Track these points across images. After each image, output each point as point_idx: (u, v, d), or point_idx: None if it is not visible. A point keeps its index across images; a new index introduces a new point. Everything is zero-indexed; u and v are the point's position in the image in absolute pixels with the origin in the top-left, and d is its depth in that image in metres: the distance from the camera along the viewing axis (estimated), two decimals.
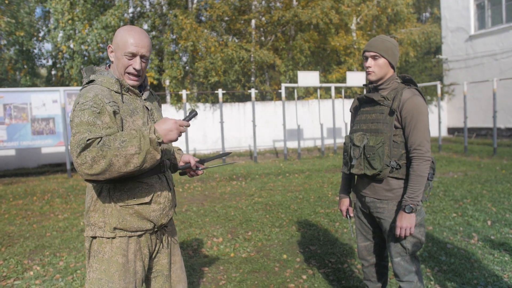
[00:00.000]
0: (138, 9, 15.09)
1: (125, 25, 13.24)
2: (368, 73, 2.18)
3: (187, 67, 14.90)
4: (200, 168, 2.00)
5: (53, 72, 16.17)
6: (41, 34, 16.01)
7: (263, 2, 15.91)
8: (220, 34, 15.26)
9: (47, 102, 9.41)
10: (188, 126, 1.61)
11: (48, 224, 5.25)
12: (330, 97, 13.99)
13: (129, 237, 1.71)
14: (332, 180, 7.74)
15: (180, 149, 2.12)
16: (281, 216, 5.24)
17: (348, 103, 14.09)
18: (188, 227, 4.88)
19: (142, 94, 1.82)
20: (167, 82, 14.02)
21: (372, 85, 2.22)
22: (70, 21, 12.89)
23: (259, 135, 12.87)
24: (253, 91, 11.13)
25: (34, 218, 5.67)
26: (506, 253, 3.60)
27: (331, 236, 4.33)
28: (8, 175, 10.09)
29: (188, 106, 12.98)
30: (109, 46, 1.74)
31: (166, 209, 1.79)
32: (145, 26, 14.78)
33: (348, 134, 2.32)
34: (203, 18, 15.99)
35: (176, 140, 1.57)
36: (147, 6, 15.08)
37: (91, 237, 1.71)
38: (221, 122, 10.83)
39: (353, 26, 16.27)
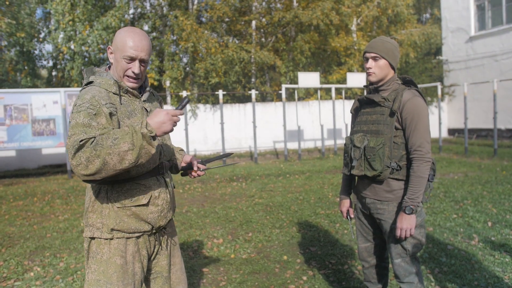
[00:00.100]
0: (139, 10, 15.11)
1: (126, 26, 13.23)
2: (368, 74, 2.18)
3: (187, 68, 14.91)
4: (201, 169, 1.99)
5: (53, 73, 16.19)
6: (42, 35, 16.03)
7: (264, 3, 15.92)
8: (221, 35, 15.27)
9: (47, 103, 9.42)
10: (182, 114, 1.57)
11: (48, 225, 5.25)
12: (331, 98, 13.99)
13: (127, 238, 1.70)
14: (332, 181, 7.74)
15: (182, 150, 2.10)
16: (281, 217, 5.24)
17: (349, 104, 14.09)
18: (188, 228, 4.88)
19: (142, 95, 1.81)
20: (168, 83, 14.03)
21: (373, 86, 2.23)
22: (70, 22, 12.91)
23: (259, 136, 12.88)
24: (253, 92, 11.13)
25: (35, 219, 5.67)
26: (507, 254, 3.60)
27: (332, 237, 4.32)
28: (9, 176, 10.09)
29: (188, 107, 12.98)
30: (109, 48, 1.73)
31: (164, 211, 1.78)
32: (146, 27, 14.79)
33: (348, 135, 2.32)
34: (203, 19, 16.00)
35: (171, 131, 1.54)
36: (148, 7, 15.09)
37: (90, 238, 1.71)
38: (222, 123, 10.83)
39: (354, 27, 16.28)
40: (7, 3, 13.51)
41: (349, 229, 4.54)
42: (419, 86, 2.29)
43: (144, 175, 1.71)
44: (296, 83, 14.06)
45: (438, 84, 12.03)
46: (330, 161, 10.76)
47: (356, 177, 2.39)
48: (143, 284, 1.88)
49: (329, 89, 14.88)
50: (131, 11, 14.91)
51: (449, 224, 4.56)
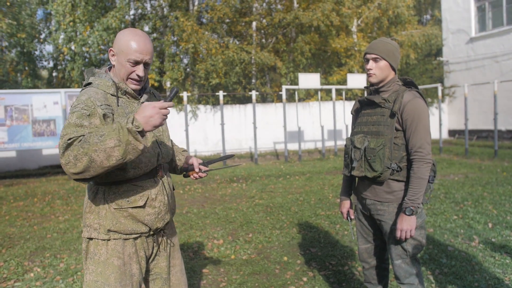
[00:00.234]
0: (139, 11, 15.13)
1: (126, 27, 13.25)
2: (369, 75, 2.18)
3: (188, 69, 14.93)
4: (203, 171, 1.97)
5: (54, 74, 16.21)
6: (43, 36, 16.06)
7: (264, 4, 15.94)
8: (221, 36, 15.29)
9: (48, 103, 9.43)
10: (171, 106, 1.53)
11: (48, 226, 5.25)
12: (331, 99, 13.99)
13: (125, 239, 1.70)
14: (332, 182, 7.74)
15: (185, 150, 2.09)
16: (281, 218, 5.23)
17: (349, 105, 14.09)
18: (188, 229, 4.87)
19: (141, 97, 1.79)
20: (168, 84, 14.04)
21: (373, 87, 2.23)
22: (71, 23, 12.93)
23: (259, 137, 12.88)
24: (254, 93, 11.14)
25: (35, 219, 5.67)
26: (507, 255, 3.59)
27: (332, 238, 4.32)
28: (9, 177, 10.09)
29: (189, 108, 12.99)
30: (111, 50, 1.71)
31: (161, 213, 1.77)
32: (146, 28, 14.81)
33: (349, 136, 2.32)
34: (204, 20, 16.02)
35: (160, 124, 1.49)
36: (148, 8, 15.11)
37: (88, 238, 1.71)
38: (222, 124, 10.84)
39: (354, 28, 16.29)
40: (8, 4, 13.54)
41: (349, 230, 4.54)
42: (419, 87, 2.28)
43: (141, 176, 1.71)
44: (297, 84, 14.06)
45: (439, 85, 12.03)
46: (331, 162, 10.76)
47: (357, 178, 2.39)
48: (143, 285, 1.87)
49: (329, 90, 14.89)
50: (132, 12, 14.93)
51: (449, 225, 4.55)
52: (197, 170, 1.95)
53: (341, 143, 12.80)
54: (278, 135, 13.79)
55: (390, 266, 2.39)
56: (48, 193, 7.64)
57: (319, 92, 12.94)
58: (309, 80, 11.14)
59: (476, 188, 6.55)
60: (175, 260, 1.94)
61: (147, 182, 1.72)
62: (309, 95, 15.78)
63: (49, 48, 18.34)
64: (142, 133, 1.46)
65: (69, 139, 1.44)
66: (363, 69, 15.69)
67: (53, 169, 11.15)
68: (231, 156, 2.12)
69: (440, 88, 12.02)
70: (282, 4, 16.31)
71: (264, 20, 15.90)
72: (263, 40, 16.50)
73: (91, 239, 1.70)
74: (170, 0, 13.93)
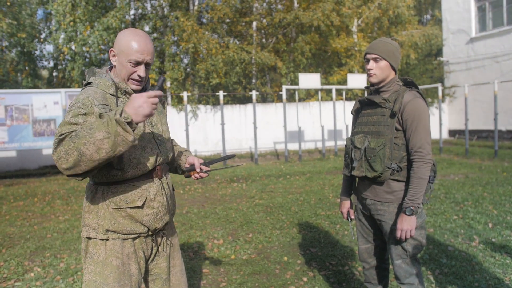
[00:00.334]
0: (140, 11, 15.12)
1: (126, 27, 13.24)
2: (369, 76, 2.18)
3: (188, 69, 14.92)
4: (204, 171, 1.96)
5: (54, 74, 16.22)
6: (43, 35, 16.07)
7: (264, 4, 15.94)
8: (221, 36, 15.29)
9: (48, 103, 9.44)
10: (160, 95, 1.51)
11: (48, 226, 5.25)
12: (331, 99, 13.99)
13: (123, 239, 1.70)
14: (333, 182, 7.74)
15: (187, 150, 2.08)
16: (281, 218, 5.24)
17: (349, 105, 14.09)
18: (188, 229, 4.87)
19: None
20: (168, 84, 14.04)
21: (374, 88, 2.23)
22: (71, 23, 12.93)
23: (260, 137, 12.88)
24: (254, 93, 11.14)
25: (35, 219, 5.67)
26: (507, 255, 3.59)
27: (332, 238, 4.32)
28: (9, 177, 10.10)
29: (189, 107, 12.99)
30: (111, 50, 1.71)
31: (160, 214, 1.76)
32: (146, 28, 14.81)
33: (349, 136, 2.32)
34: (204, 20, 16.02)
35: (150, 113, 1.46)
36: (149, 8, 15.11)
37: (86, 238, 1.71)
38: (222, 124, 10.84)
39: (354, 28, 16.28)
40: (8, 3, 13.54)
41: (350, 230, 4.54)
42: (419, 87, 2.29)
43: (140, 177, 1.70)
44: (297, 84, 14.06)
45: (439, 85, 12.03)
46: (331, 162, 10.76)
47: (357, 178, 2.39)
48: (143, 285, 1.87)
49: (329, 90, 14.89)
50: (132, 12, 14.92)
51: (449, 226, 4.55)
52: (198, 170, 1.94)
53: (341, 143, 12.80)
54: (278, 135, 13.79)
55: (390, 266, 2.39)
56: (48, 193, 7.65)
57: (319, 92, 12.93)
58: (310, 80, 11.14)
59: (476, 188, 6.55)
60: (175, 261, 1.94)
61: (146, 182, 1.72)
62: (309, 95, 15.78)
63: (49, 48, 18.37)
64: (132, 124, 1.45)
65: (61, 135, 1.44)
66: (363, 69, 15.69)
67: (53, 169, 11.15)
68: (232, 156, 2.11)
69: (440, 88, 12.02)
70: (283, 4, 16.31)
71: (264, 20, 15.90)
72: (264, 40, 16.50)
73: (90, 238, 1.70)
74: (171, 0, 13.93)
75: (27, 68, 15.14)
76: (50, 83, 16.08)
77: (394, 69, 2.17)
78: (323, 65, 16.73)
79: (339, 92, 14.97)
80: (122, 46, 1.65)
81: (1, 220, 5.69)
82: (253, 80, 15.73)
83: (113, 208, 1.66)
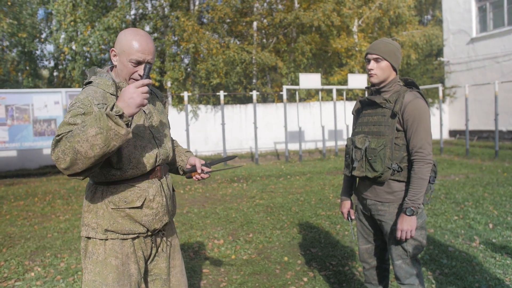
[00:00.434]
0: (140, 11, 15.13)
1: (127, 27, 13.24)
2: (370, 76, 2.18)
3: (188, 69, 14.92)
4: (206, 172, 1.94)
5: (55, 74, 16.24)
6: (43, 35, 16.09)
7: (265, 4, 15.94)
8: (222, 36, 15.29)
9: (49, 103, 9.45)
10: (149, 83, 1.50)
11: (49, 225, 5.25)
12: (332, 99, 13.98)
13: (122, 239, 1.70)
14: (333, 182, 7.73)
15: (189, 151, 2.07)
16: (282, 218, 5.23)
17: (350, 105, 14.09)
18: (189, 229, 4.88)
19: None
20: (169, 84, 14.04)
21: (374, 88, 2.22)
22: (72, 23, 12.93)
23: (260, 137, 12.88)
24: (254, 93, 11.14)
25: (35, 219, 5.67)
26: (508, 256, 3.59)
27: (332, 238, 4.32)
28: (10, 176, 10.10)
29: (190, 107, 12.99)
30: (112, 50, 1.70)
31: (159, 215, 1.76)
32: (147, 28, 14.82)
33: (350, 136, 2.32)
34: (205, 20, 16.03)
35: (141, 103, 1.46)
36: (149, 8, 15.11)
37: (86, 237, 1.71)
38: (223, 124, 10.84)
39: (355, 29, 16.28)
40: (9, 3, 13.55)
41: (350, 230, 4.54)
42: (420, 87, 2.29)
43: (140, 177, 1.70)
44: (297, 84, 14.06)
45: (439, 86, 12.02)
46: (331, 162, 10.76)
47: (357, 178, 2.39)
48: (143, 286, 1.87)
49: (330, 90, 14.89)
50: (133, 11, 14.93)
51: (450, 226, 4.55)
52: (199, 171, 1.93)
53: (342, 143, 12.80)
54: (279, 135, 13.79)
55: (391, 267, 2.39)
56: (49, 192, 7.65)
57: (319, 92, 12.93)
58: (310, 80, 11.14)
59: (477, 188, 6.55)
60: (175, 261, 1.94)
61: (145, 182, 1.72)
62: (309, 95, 15.77)
63: (50, 47, 18.40)
64: (123, 117, 1.43)
65: (58, 135, 1.44)
66: (364, 69, 15.69)
67: (54, 169, 11.15)
68: (233, 157, 2.10)
69: (441, 89, 12.02)
70: (283, 4, 16.31)
71: (265, 20, 15.90)
72: (264, 40, 16.50)
73: (89, 238, 1.70)
74: (171, 0, 13.93)
75: (27, 68, 15.15)
76: (51, 83, 16.10)
77: (395, 70, 2.17)
78: (324, 65, 16.73)
79: (339, 92, 14.97)
80: (123, 46, 1.65)
81: (1, 219, 5.69)
82: (254, 80, 15.73)
83: (112, 208, 1.66)
